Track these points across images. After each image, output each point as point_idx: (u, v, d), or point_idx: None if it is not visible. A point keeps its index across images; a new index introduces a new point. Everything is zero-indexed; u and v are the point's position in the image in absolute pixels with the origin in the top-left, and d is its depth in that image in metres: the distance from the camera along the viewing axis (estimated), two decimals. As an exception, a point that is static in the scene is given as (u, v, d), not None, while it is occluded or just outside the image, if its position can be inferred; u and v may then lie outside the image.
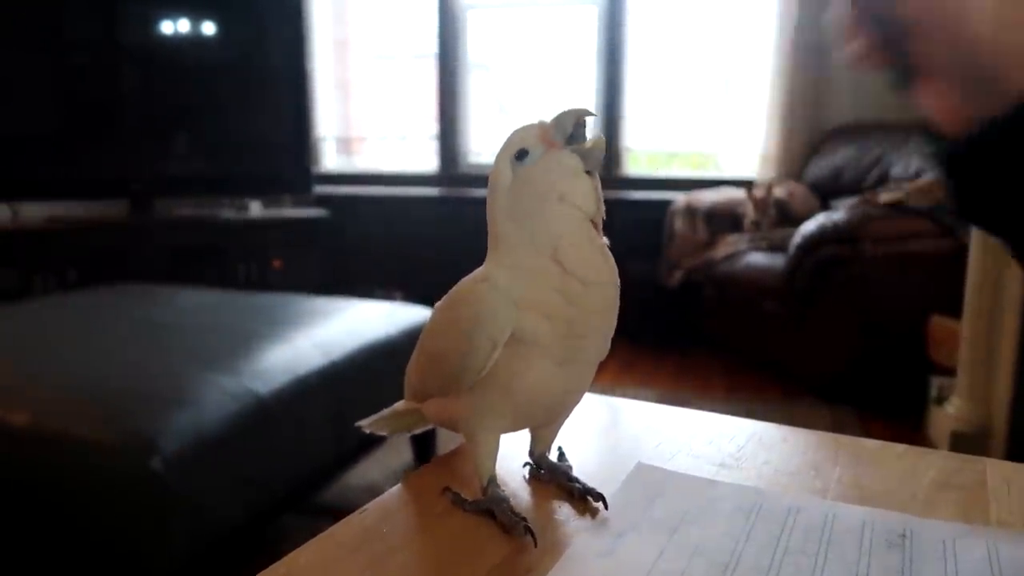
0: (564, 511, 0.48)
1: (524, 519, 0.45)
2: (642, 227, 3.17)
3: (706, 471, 0.54)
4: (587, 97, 3.77)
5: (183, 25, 3.30)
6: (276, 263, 3.27)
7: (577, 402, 0.51)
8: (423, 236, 3.70)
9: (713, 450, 0.57)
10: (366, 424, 0.61)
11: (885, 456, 0.57)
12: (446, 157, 3.96)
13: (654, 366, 3.05)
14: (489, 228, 0.49)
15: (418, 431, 0.61)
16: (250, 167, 3.25)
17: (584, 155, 0.47)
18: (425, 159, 4.07)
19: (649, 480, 0.49)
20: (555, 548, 0.43)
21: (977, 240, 2.07)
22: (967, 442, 1.99)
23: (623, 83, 3.71)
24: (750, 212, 3.00)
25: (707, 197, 3.18)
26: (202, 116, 3.30)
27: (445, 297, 0.51)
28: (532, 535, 0.44)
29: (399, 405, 0.59)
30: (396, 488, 0.51)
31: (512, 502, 0.47)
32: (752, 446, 0.58)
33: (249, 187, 3.28)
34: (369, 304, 2.09)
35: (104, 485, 1.22)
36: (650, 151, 3.96)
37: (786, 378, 2.84)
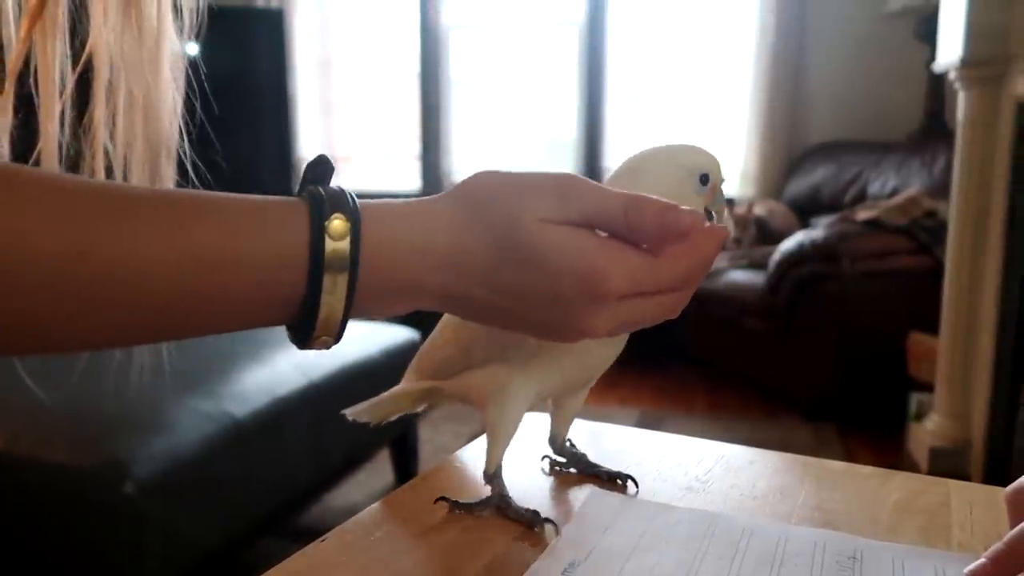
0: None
1: (535, 512, 0.48)
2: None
3: (672, 495, 0.54)
4: (569, 115, 3.80)
5: (165, 45, 3.30)
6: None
7: (612, 359, 0.53)
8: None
9: (680, 473, 0.57)
10: (351, 413, 0.59)
11: (850, 478, 0.58)
12: (429, 176, 3.97)
13: (637, 384, 3.05)
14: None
15: (396, 417, 0.59)
16: (232, 187, 3.23)
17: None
18: (409, 178, 4.08)
19: (604, 508, 0.49)
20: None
21: (953, 257, 2.09)
22: (946, 457, 2.00)
23: (604, 101, 3.75)
24: (730, 230, 3.03)
25: (688, 215, 3.19)
26: (183, 136, 3.29)
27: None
28: (553, 523, 0.47)
29: (396, 390, 0.57)
30: (359, 516, 0.50)
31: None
32: (720, 469, 0.58)
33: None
34: (351, 324, 2.09)
35: (78, 510, 1.21)
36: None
37: (769, 395, 2.85)
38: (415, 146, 4.01)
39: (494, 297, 0.40)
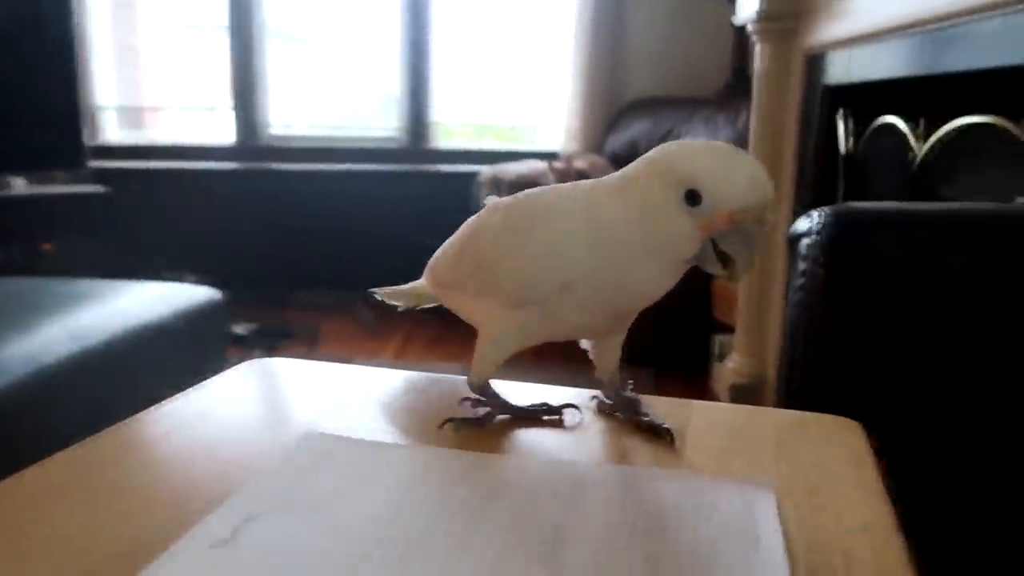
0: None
1: (543, 403, 0.51)
2: (454, 200, 3.14)
3: (397, 435, 0.49)
4: (392, 69, 3.67)
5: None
6: (46, 246, 2.94)
7: (618, 332, 0.51)
8: (221, 213, 3.47)
9: (410, 412, 0.53)
10: (382, 293, 0.61)
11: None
12: (244, 129, 3.73)
13: (464, 341, 3.03)
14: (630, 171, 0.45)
15: (429, 306, 0.61)
16: (9, 140, 2.88)
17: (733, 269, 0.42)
18: (225, 131, 3.81)
19: (315, 450, 0.44)
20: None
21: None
22: (743, 393, 2.13)
23: (429, 56, 3.65)
24: (552, 183, 3.05)
25: (512, 169, 3.19)
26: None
27: (524, 197, 0.48)
28: (576, 407, 0.51)
29: (416, 284, 0.59)
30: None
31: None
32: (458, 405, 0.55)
33: (10, 162, 2.91)
34: (143, 286, 1.91)
35: None
36: (463, 124, 3.93)
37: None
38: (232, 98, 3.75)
39: None
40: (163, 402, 0.53)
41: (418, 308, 0.63)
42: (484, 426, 0.49)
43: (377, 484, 0.41)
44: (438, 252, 0.56)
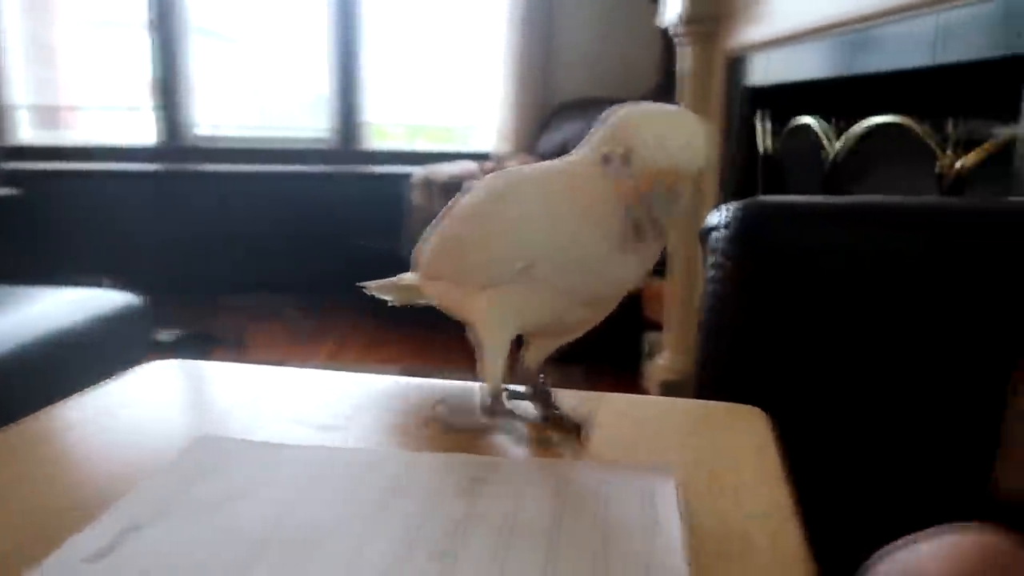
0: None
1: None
2: (387, 201, 3.11)
3: (303, 436, 0.48)
4: (322, 69, 3.62)
5: None
6: (-47, 251, 2.80)
7: (596, 323, 0.50)
8: (143, 216, 3.35)
9: (319, 411, 0.52)
10: (372, 286, 0.58)
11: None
12: (168, 129, 3.62)
13: (400, 344, 3.01)
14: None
15: (422, 303, 0.57)
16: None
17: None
18: (146, 131, 3.69)
19: (206, 453, 0.42)
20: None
21: (678, 204, 2.24)
22: (675, 390, 2.16)
23: (360, 56, 3.61)
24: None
25: (445, 170, 3.18)
26: None
27: (496, 178, 0.48)
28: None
29: (406, 276, 0.57)
30: None
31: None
32: (369, 403, 0.54)
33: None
34: (58, 292, 1.83)
35: None
36: (395, 125, 3.90)
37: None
38: (154, 97, 3.63)
39: None
40: (54, 404, 0.51)
41: (410, 305, 0.60)
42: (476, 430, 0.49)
43: (272, 486, 0.40)
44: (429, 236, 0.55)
